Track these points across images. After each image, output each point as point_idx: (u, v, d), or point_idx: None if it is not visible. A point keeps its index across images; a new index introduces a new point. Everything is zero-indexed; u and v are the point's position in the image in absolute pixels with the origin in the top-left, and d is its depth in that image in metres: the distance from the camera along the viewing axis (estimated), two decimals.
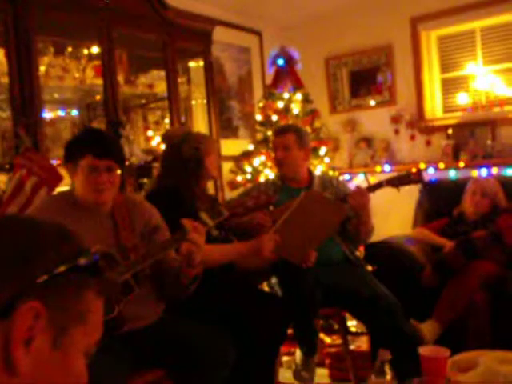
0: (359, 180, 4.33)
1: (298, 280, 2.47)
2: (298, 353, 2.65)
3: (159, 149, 3.59)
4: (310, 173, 2.92)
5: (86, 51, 3.14)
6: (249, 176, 3.99)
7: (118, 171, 1.97)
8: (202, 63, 3.84)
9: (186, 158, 2.41)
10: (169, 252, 2.00)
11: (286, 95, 3.94)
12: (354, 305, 2.63)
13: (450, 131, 4.26)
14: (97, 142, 1.97)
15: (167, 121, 3.65)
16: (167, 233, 2.10)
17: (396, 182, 2.64)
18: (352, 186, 3.09)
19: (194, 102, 4.00)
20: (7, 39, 2.60)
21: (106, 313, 1.79)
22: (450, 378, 1.78)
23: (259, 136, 4.14)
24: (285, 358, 3.08)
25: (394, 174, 3.90)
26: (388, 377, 1.42)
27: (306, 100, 3.98)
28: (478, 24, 4.32)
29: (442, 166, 4.17)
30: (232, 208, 2.04)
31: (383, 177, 2.87)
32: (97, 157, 1.91)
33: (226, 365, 1.97)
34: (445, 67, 4.52)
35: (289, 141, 2.78)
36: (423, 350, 1.83)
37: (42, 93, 2.71)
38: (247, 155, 4.09)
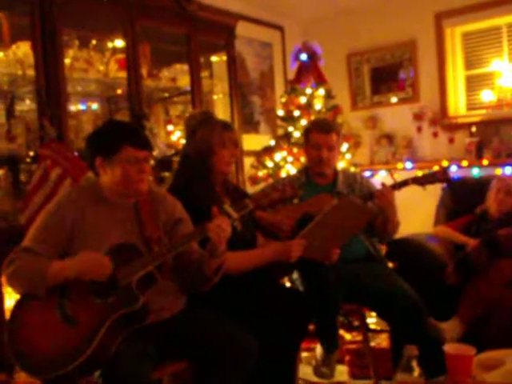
0: (381, 177, 4.29)
1: (321, 276, 2.45)
2: (319, 349, 2.63)
3: (179, 143, 3.61)
4: (335, 169, 2.90)
5: (110, 44, 3.16)
6: (270, 171, 3.98)
7: (152, 162, 1.98)
8: (224, 58, 3.84)
9: (192, 157, 2.38)
10: (192, 244, 1.99)
11: (309, 91, 3.91)
12: (376, 302, 2.60)
13: (473, 129, 4.21)
14: (134, 134, 1.99)
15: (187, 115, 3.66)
16: (190, 225, 2.10)
17: (422, 181, 2.61)
18: (375, 182, 3.06)
19: (215, 97, 4.00)
20: (33, 32, 2.62)
21: (132, 304, 1.83)
22: (476, 377, 1.76)
23: (280, 131, 4.14)
24: (304, 354, 3.07)
25: (416, 171, 3.91)
26: (415, 373, 1.40)
27: (329, 96, 3.96)
28: (504, 20, 4.26)
29: (465, 163, 4.13)
30: (257, 200, 2.02)
31: (405, 174, 2.85)
32: (136, 148, 1.93)
33: (249, 356, 1.95)
34: (469, 64, 4.47)
35: (333, 141, 2.76)
36: (449, 348, 1.81)
37: (66, 85, 2.73)
38: (268, 150, 4.07)
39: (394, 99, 4.75)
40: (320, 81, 3.96)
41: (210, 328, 1.98)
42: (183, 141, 3.60)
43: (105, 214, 2.00)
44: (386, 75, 4.81)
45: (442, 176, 2.61)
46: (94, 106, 3.39)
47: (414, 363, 1.42)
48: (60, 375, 1.71)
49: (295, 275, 2.72)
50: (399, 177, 2.77)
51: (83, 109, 3.22)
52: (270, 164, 3.97)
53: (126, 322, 1.82)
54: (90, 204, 2.00)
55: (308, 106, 3.91)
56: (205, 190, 2.34)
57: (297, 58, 3.97)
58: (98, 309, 1.81)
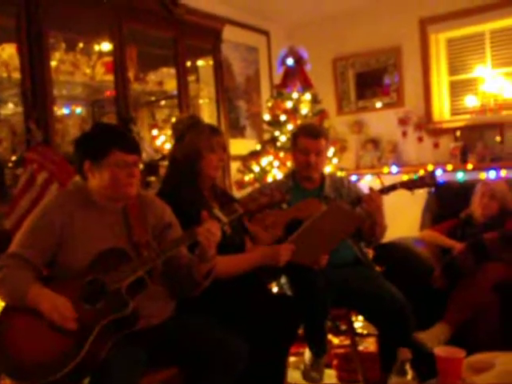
0: (367, 181, 4.32)
1: (310, 280, 2.45)
2: (308, 353, 2.63)
3: (164, 148, 3.59)
4: (322, 173, 2.91)
5: (96, 47, 3.13)
6: (256, 176, 3.98)
7: (141, 166, 1.97)
8: (210, 62, 3.83)
9: (181, 161, 2.37)
10: (181, 249, 1.98)
11: (295, 95, 3.92)
12: (364, 305, 2.62)
13: (458, 133, 4.26)
14: (123, 138, 1.98)
15: (174, 119, 3.65)
16: (179, 230, 2.09)
17: (410, 185, 2.63)
18: (362, 186, 3.08)
19: (201, 101, 3.99)
20: (19, 34, 2.59)
21: (121, 309, 1.80)
22: (466, 379, 1.77)
23: (266, 136, 4.14)
24: (292, 359, 3.06)
25: (402, 176, 3.93)
26: (409, 376, 1.41)
27: (315, 100, 3.97)
28: (487, 26, 4.32)
29: (449, 168, 4.17)
30: (246, 205, 2.02)
31: (390, 178, 2.87)
32: (126, 152, 1.92)
33: (238, 361, 1.94)
34: (453, 69, 4.53)
35: (322, 146, 2.76)
36: (439, 351, 1.82)
37: (53, 88, 2.70)
38: (255, 155, 4.07)
39: (378, 104, 4.78)
40: (306, 85, 3.97)
41: (200, 333, 1.98)
42: (168, 145, 3.60)
43: (93, 218, 1.99)
44: (371, 80, 4.84)
45: (429, 180, 2.63)
46: (80, 109, 3.35)
47: (408, 366, 1.42)
48: (48, 382, 1.68)
49: (283, 280, 2.73)
50: (385, 181, 2.79)
51: (69, 112, 3.18)
52: (256, 168, 3.97)
53: (115, 327, 1.80)
54: (79, 208, 1.98)
55: (294, 111, 3.91)
56: (193, 195, 2.33)
57: (283, 62, 3.98)
58: (86, 314, 1.78)
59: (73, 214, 1.95)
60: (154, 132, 3.73)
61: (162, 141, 3.66)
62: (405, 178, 4.21)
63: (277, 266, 2.36)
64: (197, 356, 1.91)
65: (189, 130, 2.38)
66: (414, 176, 2.80)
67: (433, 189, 2.71)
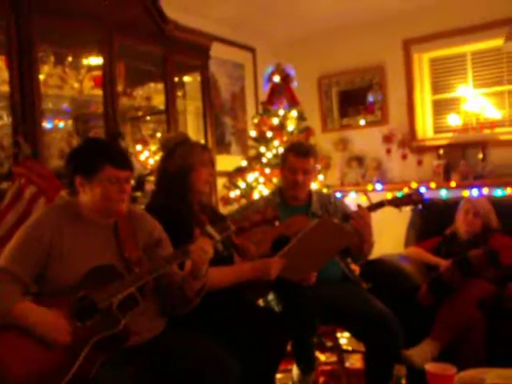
0: (352, 198, 4.35)
1: (298, 297, 2.45)
2: (295, 370, 2.63)
3: (147, 163, 3.58)
4: (309, 190, 2.93)
5: (85, 62, 3.13)
6: (242, 192, 3.98)
7: (132, 182, 1.95)
8: (197, 78, 3.84)
9: (172, 173, 2.38)
10: (172, 266, 1.97)
11: (282, 112, 3.96)
12: (352, 322, 2.61)
13: (441, 151, 4.32)
14: (116, 153, 1.95)
15: (159, 135, 3.65)
16: (170, 246, 2.08)
17: (397, 202, 2.65)
18: (348, 203, 3.10)
19: (188, 117, 3.99)
20: (9, 47, 2.57)
21: (112, 326, 1.78)
22: None
23: (252, 152, 4.15)
24: (279, 376, 3.04)
25: (386, 193, 3.96)
26: None
27: (301, 117, 4.01)
28: (469, 48, 4.42)
29: (433, 185, 4.23)
30: (238, 222, 2.02)
31: (374, 196, 2.88)
32: (118, 168, 1.90)
33: (230, 377, 1.92)
34: (436, 89, 4.61)
35: (309, 165, 2.78)
36: (430, 367, 1.83)
37: (41, 102, 2.68)
38: (240, 171, 4.08)
39: (362, 122, 4.84)
40: (293, 102, 4.01)
41: (192, 349, 1.95)
42: (152, 161, 3.60)
43: (83, 234, 1.97)
44: (355, 98, 4.91)
45: (416, 198, 2.66)
46: (65, 123, 3.33)
47: (403, 382, 1.42)
48: None
49: (270, 296, 2.72)
50: (367, 199, 2.81)
51: (55, 127, 3.16)
52: (242, 185, 3.98)
53: (106, 345, 1.78)
54: (68, 224, 1.96)
55: (281, 127, 3.95)
56: (184, 209, 2.33)
57: (270, 79, 4.02)
58: (77, 332, 1.76)
59: (62, 229, 1.93)
60: (138, 147, 3.71)
61: (146, 156, 3.64)
62: (389, 195, 4.27)
63: (266, 282, 2.36)
64: (188, 372, 1.89)
65: (179, 146, 2.39)
66: (397, 194, 2.83)
67: (420, 206, 2.74)
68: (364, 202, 2.78)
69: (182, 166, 2.34)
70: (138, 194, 3.39)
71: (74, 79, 3.05)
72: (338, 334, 3.19)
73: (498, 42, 4.22)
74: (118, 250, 1.98)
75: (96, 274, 1.85)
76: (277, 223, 2.59)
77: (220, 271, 2.25)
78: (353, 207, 2.87)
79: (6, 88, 2.63)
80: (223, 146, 4.55)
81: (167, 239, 2.10)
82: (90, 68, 3.15)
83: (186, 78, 3.99)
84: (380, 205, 2.65)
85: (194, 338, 2.03)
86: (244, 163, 4.09)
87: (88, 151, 1.99)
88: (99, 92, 3.08)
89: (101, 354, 1.76)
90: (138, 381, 1.86)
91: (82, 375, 1.70)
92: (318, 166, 3.88)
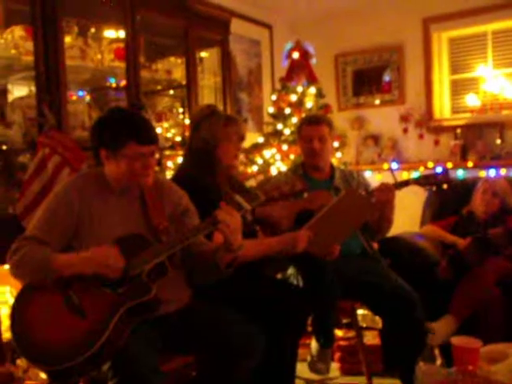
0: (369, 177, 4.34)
1: (319, 271, 2.46)
2: (314, 344, 2.64)
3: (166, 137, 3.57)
4: (331, 165, 2.93)
5: (107, 34, 3.11)
6: (257, 168, 3.98)
7: (157, 155, 1.94)
8: (215, 53, 3.82)
9: (197, 149, 2.37)
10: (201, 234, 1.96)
11: (300, 89, 3.94)
12: (373, 297, 2.62)
13: (458, 131, 4.30)
14: (141, 129, 1.91)
15: (181, 109, 3.65)
16: (197, 216, 2.08)
17: (423, 182, 2.63)
18: (373, 182, 3.09)
19: (206, 92, 3.98)
20: (34, 18, 2.56)
21: (144, 294, 1.78)
22: (482, 368, 1.80)
23: (269, 128, 4.14)
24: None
25: (402, 172, 3.95)
26: (438, 362, 1.42)
27: (320, 94, 3.99)
28: (489, 27, 4.37)
29: (450, 165, 4.21)
30: (268, 192, 2.01)
31: (390, 175, 2.85)
32: (142, 144, 1.87)
33: (254, 352, 1.93)
34: (455, 68, 4.57)
35: (324, 132, 2.78)
36: (456, 340, 1.85)
37: (66, 72, 2.67)
38: (257, 147, 4.07)
39: (377, 101, 4.81)
40: (311, 79, 3.99)
41: (218, 323, 1.95)
42: (169, 134, 3.59)
43: (111, 203, 1.97)
44: (369, 78, 4.87)
45: (442, 178, 2.64)
46: (85, 95, 3.33)
47: (437, 352, 1.43)
48: (69, 367, 1.66)
49: (290, 271, 2.73)
50: (384, 178, 2.81)
51: (76, 98, 3.16)
52: (259, 161, 3.97)
53: (136, 312, 1.79)
54: (96, 193, 1.96)
55: (299, 104, 3.93)
56: (209, 181, 2.33)
57: (289, 55, 3.99)
58: (107, 300, 1.76)
59: (90, 198, 1.93)
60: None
61: (165, 128, 3.64)
62: (405, 174, 4.27)
63: (290, 256, 2.37)
64: (214, 345, 1.89)
65: (205, 120, 2.37)
66: (422, 173, 2.81)
67: (445, 186, 2.73)
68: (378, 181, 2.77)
69: (207, 141, 2.33)
70: (157, 168, 3.39)
71: (94, 51, 3.04)
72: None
73: None
74: (145, 220, 1.99)
75: (125, 242, 1.85)
76: (305, 195, 2.60)
77: (251, 243, 2.24)
78: (374, 185, 2.86)
79: (30, 58, 2.62)
80: None
81: (194, 209, 2.10)
82: (111, 41, 3.13)
83: (204, 54, 3.96)
84: (405, 183, 2.63)
85: (221, 311, 2.03)
86: (261, 139, 4.08)
87: (113, 125, 1.94)
88: (119, 64, 3.07)
89: (130, 322, 1.77)
90: (165, 351, 1.88)
91: (112, 343, 1.70)
92: (336, 143, 3.88)
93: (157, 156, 2.07)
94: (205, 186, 2.27)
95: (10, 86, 2.87)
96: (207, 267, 1.96)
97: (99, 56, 3.05)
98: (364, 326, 3.44)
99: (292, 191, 2.07)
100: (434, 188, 2.70)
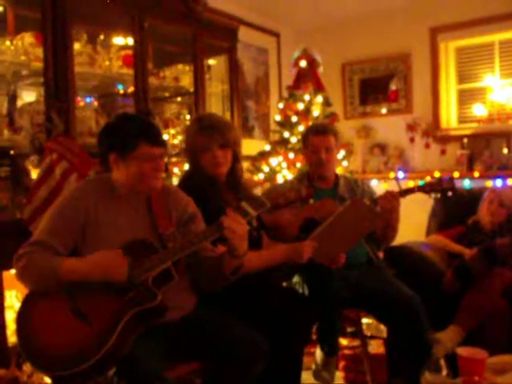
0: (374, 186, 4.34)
1: (325, 280, 2.46)
2: (319, 352, 2.64)
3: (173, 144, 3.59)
4: (336, 173, 2.93)
5: (115, 41, 3.13)
6: (263, 176, 3.99)
7: (166, 159, 1.95)
8: (223, 61, 3.84)
9: (187, 158, 2.38)
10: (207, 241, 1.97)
11: (307, 97, 3.95)
12: (378, 305, 2.61)
13: (465, 141, 4.30)
14: (151, 130, 1.94)
15: (187, 117, 3.66)
16: (203, 222, 2.08)
17: (428, 188, 2.63)
18: (378, 190, 3.09)
19: (213, 100, 3.99)
20: (44, 24, 2.58)
21: (149, 300, 1.78)
22: (488, 379, 1.79)
23: (275, 136, 4.15)
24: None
25: (408, 182, 3.94)
26: (444, 372, 1.42)
27: (327, 103, 4.00)
28: (496, 37, 4.38)
29: (456, 175, 4.21)
30: (274, 199, 2.01)
31: (396, 184, 2.85)
32: (153, 145, 1.89)
33: (261, 358, 1.93)
34: (462, 78, 4.58)
35: (330, 142, 2.79)
36: (462, 351, 1.84)
37: (75, 78, 2.70)
38: (263, 155, 4.08)
39: (383, 110, 4.82)
40: (318, 88, 4.00)
41: (223, 329, 1.95)
42: (176, 141, 3.61)
43: (117, 209, 1.97)
44: (375, 86, 4.88)
45: (447, 185, 2.63)
46: (92, 102, 3.35)
47: (442, 362, 1.43)
48: (73, 373, 1.66)
49: (295, 279, 2.73)
50: (390, 187, 2.80)
51: (84, 104, 3.18)
52: (266, 169, 3.98)
53: (141, 319, 1.79)
54: (103, 198, 1.96)
55: (306, 112, 3.94)
56: (207, 187, 2.32)
57: (296, 63, 4.00)
58: (113, 306, 1.76)
59: (97, 203, 1.94)
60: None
61: (172, 135, 3.66)
62: (411, 183, 4.26)
63: (295, 264, 2.37)
64: (219, 352, 1.89)
65: (187, 130, 2.40)
66: (426, 180, 2.81)
67: (450, 193, 2.71)
68: (384, 190, 2.77)
69: (188, 151, 2.37)
70: (163, 174, 3.41)
71: (103, 58, 3.06)
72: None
73: None
74: (151, 225, 1.99)
75: (131, 248, 1.86)
76: (311, 201, 2.60)
77: (253, 254, 2.25)
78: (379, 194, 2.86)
79: (39, 64, 2.64)
80: (246, 130, 4.56)
81: (200, 216, 2.10)
82: (120, 48, 3.16)
83: (211, 61, 3.99)
84: (410, 191, 2.63)
85: (227, 318, 2.03)
86: (267, 147, 4.09)
87: (123, 128, 1.95)
88: (127, 71, 3.10)
89: (136, 328, 1.77)
90: (170, 357, 1.88)
91: (117, 349, 1.70)
92: (342, 152, 3.88)
93: (165, 160, 2.08)
94: (202, 191, 2.26)
95: (18, 92, 2.89)
96: (212, 273, 1.96)
97: (107, 63, 3.07)
98: (369, 334, 3.43)
99: (298, 197, 2.07)
100: (439, 195, 2.67)
